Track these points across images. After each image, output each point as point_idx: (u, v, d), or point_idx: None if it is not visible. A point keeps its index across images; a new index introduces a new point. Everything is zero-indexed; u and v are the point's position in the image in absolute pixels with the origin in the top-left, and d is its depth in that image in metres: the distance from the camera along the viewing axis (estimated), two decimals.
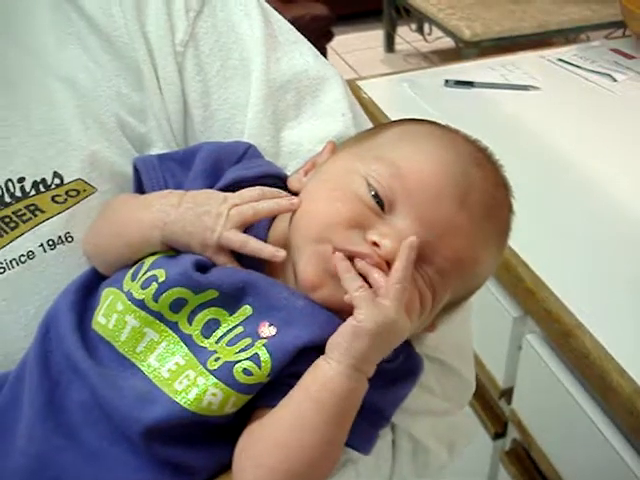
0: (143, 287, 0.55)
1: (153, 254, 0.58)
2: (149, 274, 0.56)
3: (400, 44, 4.48)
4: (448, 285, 0.57)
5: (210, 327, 0.54)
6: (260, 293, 0.55)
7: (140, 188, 0.62)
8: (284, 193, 0.60)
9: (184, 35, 0.64)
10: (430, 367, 0.65)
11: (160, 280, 0.55)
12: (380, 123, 0.67)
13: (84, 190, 0.61)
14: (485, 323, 1.21)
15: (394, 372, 0.57)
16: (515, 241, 1.08)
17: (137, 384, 0.53)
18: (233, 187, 0.60)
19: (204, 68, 0.65)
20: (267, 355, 0.52)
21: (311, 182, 0.60)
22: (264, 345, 0.52)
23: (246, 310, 0.54)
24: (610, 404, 0.92)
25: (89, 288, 0.60)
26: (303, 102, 0.67)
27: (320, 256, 0.54)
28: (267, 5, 0.70)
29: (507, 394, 1.18)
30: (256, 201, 0.58)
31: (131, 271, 0.57)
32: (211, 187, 0.60)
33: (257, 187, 0.59)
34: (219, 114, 0.66)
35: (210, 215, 0.56)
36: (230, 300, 0.55)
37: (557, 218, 1.17)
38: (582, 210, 1.19)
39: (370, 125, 0.71)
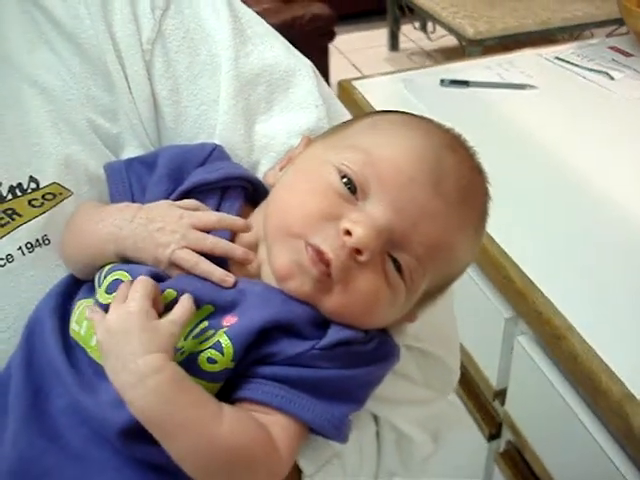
0: (108, 292, 0.55)
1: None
2: (112, 278, 0.56)
3: (404, 42, 4.47)
4: (425, 272, 0.56)
5: None
6: (219, 292, 0.55)
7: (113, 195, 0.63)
8: (240, 221, 0.60)
9: (151, 33, 0.64)
10: (410, 356, 0.65)
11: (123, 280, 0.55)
12: (354, 117, 0.67)
13: (60, 193, 0.61)
14: (478, 323, 1.21)
15: (363, 355, 0.56)
16: (506, 241, 1.09)
17: (110, 388, 0.52)
18: (195, 190, 0.60)
19: (172, 65, 0.65)
20: (228, 340, 0.52)
21: (285, 175, 0.60)
22: (225, 332, 0.53)
23: (208, 308, 0.55)
24: (599, 407, 0.91)
25: (69, 292, 0.60)
26: (274, 95, 0.67)
27: (292, 250, 0.55)
28: (235, 0, 0.70)
29: (501, 395, 1.18)
30: (212, 226, 0.58)
31: (96, 277, 0.58)
32: (174, 190, 0.61)
33: (215, 213, 0.59)
34: (190, 111, 0.66)
35: (164, 232, 0.56)
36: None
37: (550, 218, 1.17)
38: (576, 210, 1.18)
39: (348, 115, 0.71)
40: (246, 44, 0.67)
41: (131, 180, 0.62)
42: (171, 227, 0.56)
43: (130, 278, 0.55)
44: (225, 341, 0.52)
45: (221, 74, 0.65)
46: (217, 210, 0.61)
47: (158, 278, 0.55)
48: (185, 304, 0.52)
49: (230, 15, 0.67)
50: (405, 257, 0.55)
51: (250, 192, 0.64)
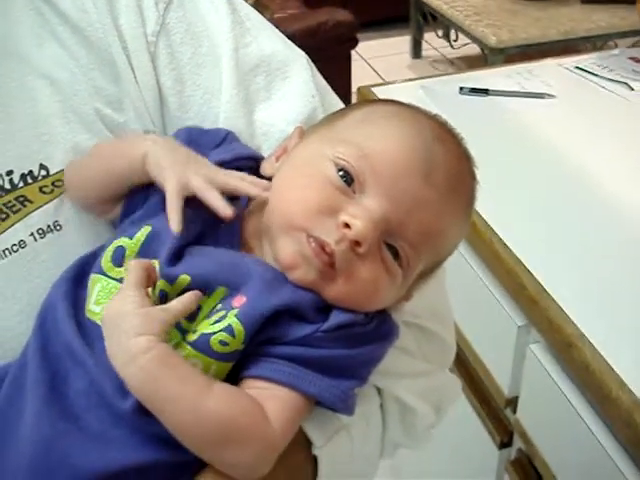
0: (114, 263, 0.59)
1: (126, 236, 0.60)
2: (113, 246, 0.59)
3: (427, 50, 4.48)
4: (420, 256, 0.60)
5: (193, 312, 0.57)
6: (232, 272, 0.58)
7: None
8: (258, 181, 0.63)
9: (155, 26, 0.67)
10: (408, 331, 0.68)
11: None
12: (346, 106, 0.70)
13: None
14: (491, 331, 1.21)
15: (365, 335, 0.60)
16: (520, 249, 1.10)
17: None
18: None
19: (176, 57, 0.68)
20: (240, 324, 0.55)
21: (282, 168, 0.63)
22: (235, 315, 0.56)
23: (222, 291, 0.58)
24: (609, 415, 0.91)
25: (80, 277, 0.62)
26: (273, 84, 0.70)
27: (295, 241, 0.58)
28: None
29: (512, 403, 1.18)
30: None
31: (110, 253, 0.60)
32: None
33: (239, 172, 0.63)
34: (193, 100, 0.68)
35: (196, 160, 0.61)
36: (204, 282, 0.58)
37: (566, 226, 1.17)
38: (592, 220, 1.18)
39: (341, 105, 0.73)
40: (245, 36, 0.70)
41: None
42: (203, 160, 0.61)
43: (127, 239, 0.59)
44: (237, 325, 0.55)
45: (222, 65, 0.68)
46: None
47: (174, 258, 0.58)
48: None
49: (229, 8, 0.70)
50: (401, 244, 0.59)
51: (256, 171, 0.67)
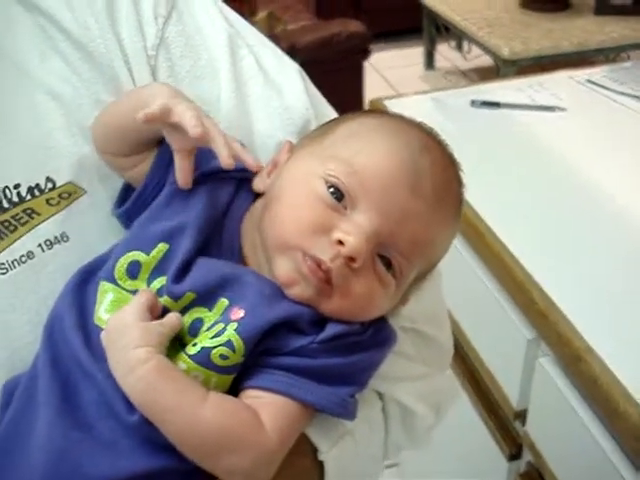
0: (129, 275, 0.61)
1: (142, 252, 0.62)
2: (159, 283, 0.61)
3: (440, 61, 4.49)
4: (413, 265, 0.63)
5: (195, 326, 0.59)
6: (232, 284, 0.60)
7: (126, 194, 0.67)
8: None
9: (155, 39, 0.69)
10: (406, 336, 0.70)
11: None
12: (333, 118, 0.71)
13: (75, 192, 0.65)
14: (501, 344, 1.21)
15: (361, 343, 0.62)
16: (531, 263, 1.10)
17: None
18: (216, 175, 0.65)
19: (175, 69, 0.69)
20: (239, 339, 0.57)
21: (274, 186, 0.64)
22: (235, 330, 0.57)
23: (223, 303, 0.59)
24: (617, 429, 0.91)
25: (84, 284, 0.63)
26: (269, 94, 0.71)
27: (291, 260, 0.60)
28: (227, 9, 0.75)
29: (522, 416, 1.18)
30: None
31: (125, 266, 0.61)
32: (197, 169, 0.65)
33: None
34: None
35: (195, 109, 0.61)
36: (208, 297, 0.60)
37: (576, 240, 1.17)
38: (602, 233, 1.18)
39: (334, 115, 0.75)
40: (241, 49, 0.72)
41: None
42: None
43: (144, 255, 0.61)
44: (236, 340, 0.57)
45: (220, 77, 0.70)
46: (231, 202, 0.66)
47: (180, 274, 0.60)
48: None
49: (225, 24, 0.72)
50: (393, 254, 0.61)
51: None
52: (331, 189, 0.60)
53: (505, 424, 1.28)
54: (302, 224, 0.59)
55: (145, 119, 0.59)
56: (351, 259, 0.58)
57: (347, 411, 0.61)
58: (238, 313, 0.58)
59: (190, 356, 0.57)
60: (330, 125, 0.67)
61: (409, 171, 0.61)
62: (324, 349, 0.59)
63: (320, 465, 0.65)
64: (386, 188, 0.60)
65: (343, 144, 0.63)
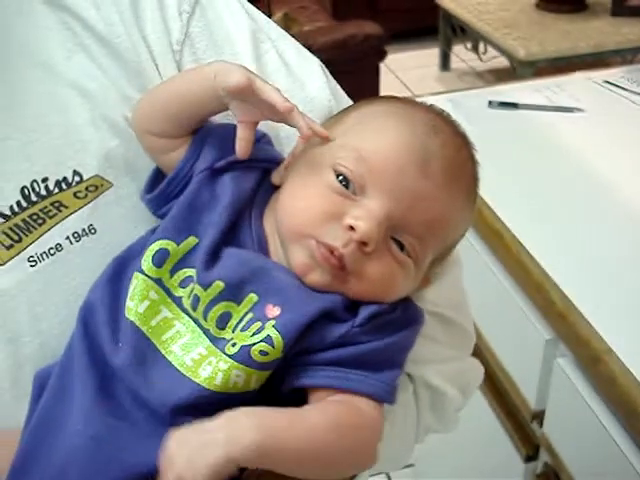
0: (182, 286, 0.62)
1: (174, 241, 0.63)
2: (184, 274, 0.62)
3: (455, 63, 4.49)
4: (428, 246, 0.63)
5: (223, 319, 0.60)
6: (261, 279, 0.61)
7: (153, 185, 0.68)
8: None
9: (180, 35, 0.70)
10: (432, 320, 0.71)
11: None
12: (346, 107, 0.72)
13: (102, 185, 0.66)
14: (518, 344, 1.21)
15: (395, 322, 0.63)
16: (549, 264, 1.10)
17: (163, 373, 0.59)
18: (241, 163, 0.65)
19: (200, 63, 0.70)
20: (278, 335, 0.58)
21: (288, 178, 0.66)
22: (274, 326, 0.58)
23: (252, 298, 0.60)
24: (636, 430, 0.91)
25: (117, 277, 0.64)
26: (293, 87, 0.72)
27: (305, 248, 0.61)
28: (248, 4, 0.76)
29: (539, 416, 1.18)
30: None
31: (152, 253, 0.62)
32: (221, 158, 0.66)
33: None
34: None
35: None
36: (236, 291, 0.60)
37: (594, 240, 1.17)
38: (620, 233, 1.18)
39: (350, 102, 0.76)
40: (264, 43, 0.73)
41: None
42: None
43: (174, 244, 0.62)
44: (275, 335, 0.58)
45: None
46: (256, 191, 0.67)
47: (210, 259, 0.61)
48: None
49: (247, 19, 0.73)
50: (407, 237, 0.62)
51: None
52: (340, 177, 0.61)
53: (522, 425, 1.28)
54: (313, 213, 0.61)
55: (234, 88, 0.60)
56: (363, 244, 0.59)
57: (392, 396, 0.62)
58: (274, 311, 0.59)
59: (230, 356, 0.58)
60: (342, 114, 0.69)
61: (417, 153, 0.61)
62: (363, 332, 0.61)
63: None
64: (394, 171, 0.61)
65: (352, 132, 0.65)
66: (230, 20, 0.73)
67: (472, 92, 1.74)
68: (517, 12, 3.62)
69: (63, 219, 0.64)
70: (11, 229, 0.63)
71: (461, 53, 4.42)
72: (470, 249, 0.65)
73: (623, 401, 0.91)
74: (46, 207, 0.64)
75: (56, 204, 0.64)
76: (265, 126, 0.69)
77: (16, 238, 0.63)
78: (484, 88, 1.74)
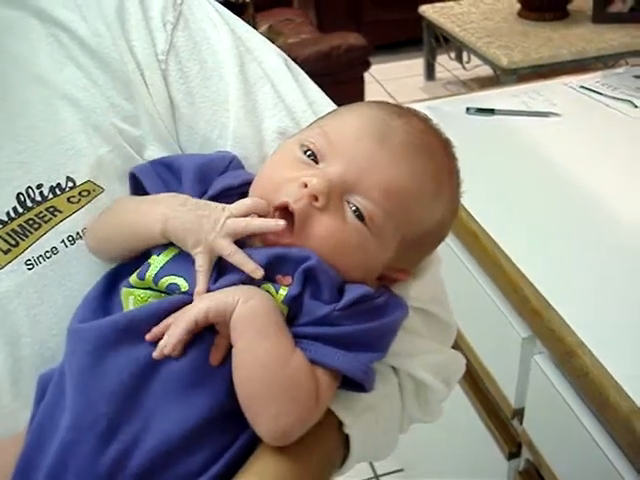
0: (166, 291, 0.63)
1: (155, 254, 0.64)
2: (167, 281, 0.63)
3: (440, 72, 4.53)
4: (385, 215, 0.64)
5: None
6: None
7: (136, 192, 0.70)
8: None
9: (164, 45, 0.73)
10: (416, 315, 0.73)
11: (182, 290, 0.62)
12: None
13: (94, 190, 0.69)
14: (497, 343, 1.23)
15: (377, 309, 0.65)
16: (524, 263, 1.13)
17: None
18: (221, 194, 0.68)
19: (185, 72, 0.73)
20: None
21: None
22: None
23: (268, 287, 0.63)
24: (608, 421, 0.94)
25: (110, 288, 0.66)
26: (277, 94, 0.75)
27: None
28: (229, 13, 0.79)
29: (519, 414, 1.20)
30: (247, 215, 0.65)
31: (137, 271, 0.64)
32: (202, 194, 0.68)
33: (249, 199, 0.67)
34: (203, 110, 0.74)
35: (209, 219, 0.63)
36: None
37: (569, 242, 1.20)
38: (593, 235, 1.21)
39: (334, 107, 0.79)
40: (248, 52, 0.76)
41: (161, 178, 0.69)
42: (215, 216, 0.63)
43: (187, 286, 0.62)
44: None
45: (227, 80, 0.74)
46: None
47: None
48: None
49: (228, 30, 0.76)
50: (361, 201, 0.64)
51: None
52: (305, 149, 0.66)
53: (504, 423, 1.30)
54: (276, 178, 0.65)
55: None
56: (315, 198, 0.62)
57: (368, 378, 0.64)
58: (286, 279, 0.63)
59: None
60: (321, 116, 0.72)
61: (377, 127, 0.65)
62: (345, 316, 0.62)
63: (345, 438, 0.69)
64: (352, 140, 0.65)
65: (324, 119, 0.70)
66: (212, 31, 0.75)
67: (450, 99, 1.77)
68: (499, 21, 3.67)
69: (58, 223, 0.67)
70: (8, 234, 0.65)
71: (445, 63, 4.46)
72: (446, 249, 0.67)
73: (595, 393, 0.93)
74: (41, 212, 0.67)
75: (51, 209, 0.67)
76: (251, 133, 0.73)
77: (13, 242, 0.65)
78: (462, 95, 1.77)
